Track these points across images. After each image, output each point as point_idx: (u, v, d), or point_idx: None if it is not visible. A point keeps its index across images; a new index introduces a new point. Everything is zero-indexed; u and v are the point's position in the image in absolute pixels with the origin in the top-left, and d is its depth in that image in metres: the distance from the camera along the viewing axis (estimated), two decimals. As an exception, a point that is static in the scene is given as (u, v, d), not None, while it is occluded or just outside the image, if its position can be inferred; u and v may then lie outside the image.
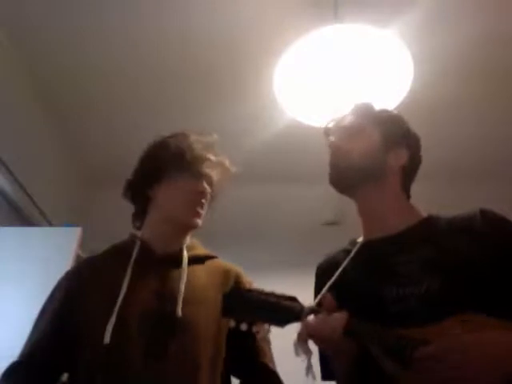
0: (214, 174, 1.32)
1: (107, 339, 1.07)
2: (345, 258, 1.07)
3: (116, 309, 1.11)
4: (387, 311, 0.92)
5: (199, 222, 1.28)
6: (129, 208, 1.41)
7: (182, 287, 1.17)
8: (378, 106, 1.23)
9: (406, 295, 0.92)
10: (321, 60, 1.89)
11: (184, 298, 1.15)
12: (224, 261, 1.37)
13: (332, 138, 1.14)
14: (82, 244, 2.19)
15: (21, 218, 2.46)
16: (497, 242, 0.93)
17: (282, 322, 0.87)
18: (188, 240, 1.33)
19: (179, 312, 1.13)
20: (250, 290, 0.90)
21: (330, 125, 1.19)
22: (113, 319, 1.09)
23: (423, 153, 1.17)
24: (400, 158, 1.11)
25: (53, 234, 2.24)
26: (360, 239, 1.12)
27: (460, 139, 2.80)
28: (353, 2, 2.09)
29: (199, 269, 1.27)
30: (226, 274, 1.28)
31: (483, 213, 0.99)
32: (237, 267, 1.34)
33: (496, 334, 0.78)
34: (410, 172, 1.14)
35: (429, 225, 1.05)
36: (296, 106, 2.06)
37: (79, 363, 1.11)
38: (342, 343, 0.86)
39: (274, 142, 2.79)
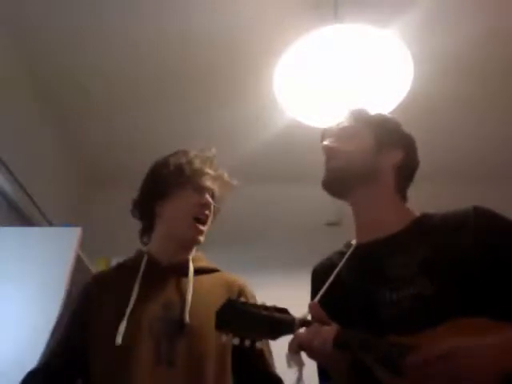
0: (216, 187, 1.38)
1: (119, 340, 1.13)
2: (340, 261, 1.07)
3: (127, 314, 1.17)
4: (380, 316, 0.92)
5: (201, 239, 1.34)
6: (129, 208, 1.42)
7: (189, 297, 1.23)
8: (377, 107, 1.23)
9: (400, 299, 0.91)
10: (321, 60, 1.89)
11: (190, 307, 1.20)
12: (227, 261, 1.44)
13: (325, 142, 1.15)
14: (82, 244, 2.19)
15: (21, 218, 2.46)
16: (490, 239, 0.92)
17: (273, 334, 0.87)
18: (193, 252, 1.38)
19: (187, 318, 1.18)
20: (243, 304, 0.90)
21: (322, 131, 1.21)
22: (124, 323, 1.16)
23: (422, 153, 1.17)
24: (393, 157, 1.10)
25: (53, 234, 2.23)
26: (354, 241, 1.11)
27: (460, 139, 2.80)
28: (353, 2, 2.09)
29: (204, 280, 1.31)
30: (230, 285, 1.32)
31: (476, 210, 0.98)
32: (241, 279, 1.38)
33: (486, 338, 0.76)
34: (405, 173, 1.13)
35: (422, 224, 1.04)
36: (296, 105, 2.06)
37: (91, 368, 1.18)
38: (334, 355, 0.85)
39: (274, 142, 2.78)
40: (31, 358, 1.82)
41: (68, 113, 2.74)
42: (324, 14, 2.07)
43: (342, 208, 2.88)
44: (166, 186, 1.35)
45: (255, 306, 0.89)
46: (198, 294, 1.24)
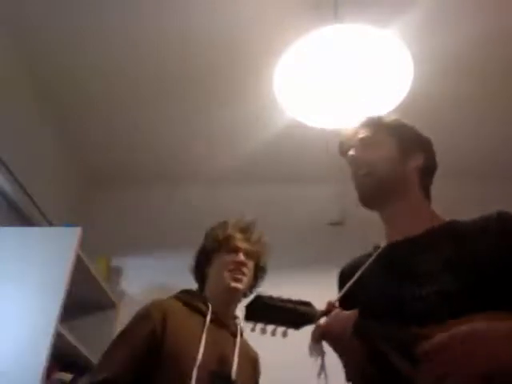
0: (253, 248, 1.63)
1: None
2: (366, 262, 1.09)
3: (197, 364, 1.35)
4: (407, 311, 0.93)
5: (239, 285, 1.55)
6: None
7: (236, 357, 1.46)
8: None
9: (428, 293, 0.93)
10: (321, 60, 1.89)
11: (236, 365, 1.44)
12: None
13: (351, 152, 1.15)
14: (82, 244, 2.19)
15: (21, 218, 2.46)
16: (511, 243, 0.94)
17: (296, 324, 0.94)
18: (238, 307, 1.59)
19: (234, 375, 1.41)
20: (270, 298, 0.98)
21: (342, 141, 1.20)
22: (196, 369, 1.34)
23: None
24: (416, 161, 1.13)
25: (53, 234, 2.23)
26: (383, 244, 1.13)
27: (460, 139, 2.80)
28: (353, 2, 2.08)
29: (243, 342, 1.56)
30: (254, 362, 1.61)
31: (499, 214, 1.00)
32: (256, 354, 1.64)
33: (492, 325, 0.78)
34: (427, 175, 1.16)
35: (449, 227, 1.06)
36: (296, 105, 2.06)
37: None
38: (353, 342, 0.88)
39: (274, 142, 2.78)
40: (31, 358, 1.83)
41: (68, 113, 2.74)
42: (324, 14, 2.07)
43: (345, 207, 2.87)
44: (208, 253, 1.63)
45: (281, 299, 0.97)
46: (240, 354, 1.48)
